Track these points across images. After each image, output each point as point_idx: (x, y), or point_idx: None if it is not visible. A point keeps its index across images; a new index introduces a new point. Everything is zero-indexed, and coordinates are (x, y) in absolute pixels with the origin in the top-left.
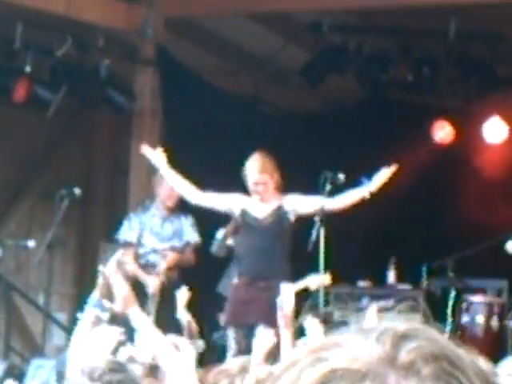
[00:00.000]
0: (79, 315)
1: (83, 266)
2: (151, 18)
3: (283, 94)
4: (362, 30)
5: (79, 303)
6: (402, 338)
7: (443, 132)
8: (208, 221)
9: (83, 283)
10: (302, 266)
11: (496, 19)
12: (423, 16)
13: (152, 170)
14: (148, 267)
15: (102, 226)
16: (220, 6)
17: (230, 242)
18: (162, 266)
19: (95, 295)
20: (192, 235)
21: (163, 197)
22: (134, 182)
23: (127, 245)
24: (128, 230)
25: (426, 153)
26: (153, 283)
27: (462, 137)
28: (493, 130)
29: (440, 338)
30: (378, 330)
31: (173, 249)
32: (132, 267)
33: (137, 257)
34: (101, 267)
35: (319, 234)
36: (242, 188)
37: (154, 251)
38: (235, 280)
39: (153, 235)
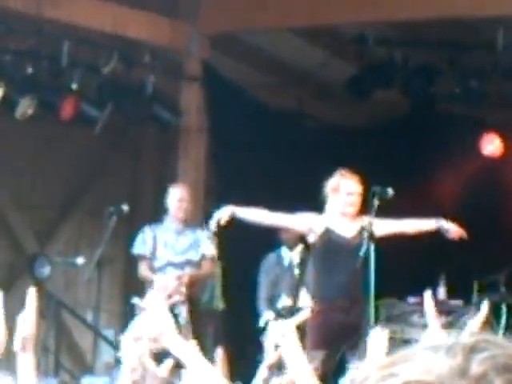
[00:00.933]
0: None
1: (131, 283)
2: (195, 35)
3: (328, 108)
4: (407, 43)
5: (127, 320)
6: (473, 349)
7: (492, 145)
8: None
9: (131, 300)
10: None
11: None
12: (469, 27)
13: (198, 187)
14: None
15: None
16: (263, 22)
17: None
18: (179, 293)
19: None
20: (208, 248)
21: (173, 210)
22: None
23: (141, 258)
24: (141, 244)
25: (474, 166)
26: (182, 311)
27: (509, 150)
28: None
29: (510, 349)
30: (446, 343)
31: (188, 262)
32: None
33: (153, 270)
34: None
35: (369, 249)
36: (289, 202)
37: (171, 264)
38: (316, 302)
39: (167, 248)
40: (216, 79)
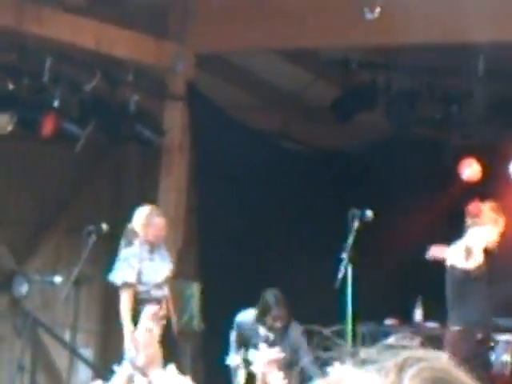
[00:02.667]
0: (116, 368)
1: (109, 302)
2: (181, 54)
3: (311, 130)
4: (390, 67)
5: (105, 340)
6: (403, 366)
7: (470, 170)
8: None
9: (109, 320)
10: (329, 303)
11: None
12: (451, 54)
13: (179, 206)
14: (152, 301)
15: None
16: (249, 43)
17: None
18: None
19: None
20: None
21: (151, 237)
22: None
23: (127, 286)
24: (128, 270)
25: (453, 190)
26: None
27: (489, 174)
28: None
29: (440, 362)
30: (378, 361)
31: (166, 279)
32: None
33: (137, 296)
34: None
35: (347, 271)
36: (270, 221)
37: (155, 286)
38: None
39: (149, 271)
40: (200, 99)
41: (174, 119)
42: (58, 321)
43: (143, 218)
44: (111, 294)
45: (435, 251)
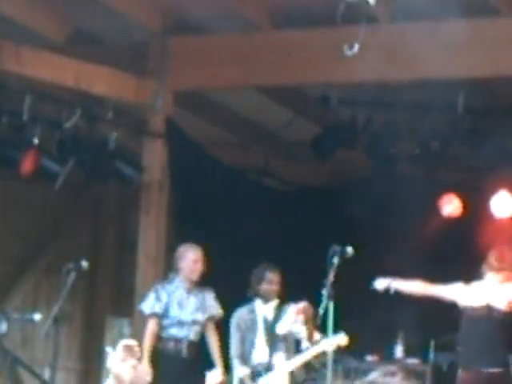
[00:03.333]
0: None
1: (89, 340)
2: (160, 92)
3: (292, 167)
4: (370, 104)
5: (85, 378)
6: None
7: (451, 206)
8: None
9: (89, 358)
10: None
11: (504, 93)
12: (431, 90)
13: (159, 244)
14: (170, 341)
15: (109, 300)
16: (229, 80)
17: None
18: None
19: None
20: (215, 309)
21: (187, 271)
22: (141, 255)
23: (154, 316)
24: (155, 302)
25: (434, 227)
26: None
27: (470, 211)
28: (501, 204)
29: None
30: None
31: (195, 322)
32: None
33: (160, 328)
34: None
35: (327, 308)
36: (251, 259)
37: (180, 323)
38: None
39: (178, 307)
40: (180, 136)
41: (154, 157)
42: (37, 359)
43: (178, 252)
44: (91, 332)
45: (381, 283)
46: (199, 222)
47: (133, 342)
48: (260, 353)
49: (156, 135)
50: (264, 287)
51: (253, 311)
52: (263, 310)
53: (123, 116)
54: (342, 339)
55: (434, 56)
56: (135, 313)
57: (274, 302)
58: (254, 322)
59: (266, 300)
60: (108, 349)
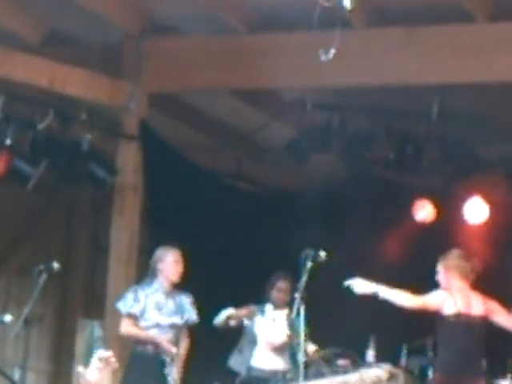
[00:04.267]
0: None
1: (60, 342)
2: (135, 93)
3: (267, 171)
4: (345, 108)
5: (55, 379)
6: None
7: (424, 211)
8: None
9: (60, 359)
10: None
11: (478, 100)
12: (406, 95)
13: (132, 246)
14: (148, 343)
15: (80, 301)
16: (204, 83)
17: (233, 323)
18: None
19: None
20: (192, 314)
21: (168, 273)
22: (113, 257)
23: (130, 317)
24: (133, 303)
25: (407, 232)
26: (164, 339)
27: (443, 216)
28: (474, 210)
29: None
30: None
31: (173, 326)
32: (137, 333)
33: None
34: (80, 370)
35: (299, 311)
36: (223, 266)
37: (157, 326)
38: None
39: (156, 310)
40: (154, 139)
41: (128, 159)
42: (7, 360)
43: (157, 254)
44: (62, 334)
45: (362, 286)
46: (172, 225)
47: (108, 353)
48: (260, 357)
49: (130, 137)
50: (273, 294)
51: (263, 311)
52: (272, 314)
53: (97, 118)
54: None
55: (408, 62)
56: (106, 315)
57: (286, 310)
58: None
59: (276, 306)
60: (79, 369)
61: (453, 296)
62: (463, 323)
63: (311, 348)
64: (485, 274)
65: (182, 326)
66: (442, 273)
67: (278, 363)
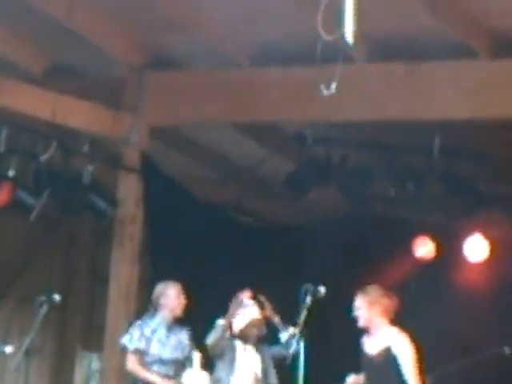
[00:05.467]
0: None
1: (60, 373)
2: (136, 126)
3: (267, 204)
4: (345, 143)
5: None
6: None
7: (425, 248)
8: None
9: None
10: (281, 379)
11: (479, 137)
12: (407, 131)
13: (132, 278)
14: None
15: (80, 333)
16: (205, 116)
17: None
18: None
19: None
20: (190, 351)
21: (171, 306)
22: (113, 289)
23: (137, 353)
24: (140, 338)
25: (407, 269)
26: None
27: (443, 253)
28: (474, 247)
29: None
30: None
31: (175, 361)
32: (143, 373)
33: (143, 365)
34: None
35: (299, 347)
36: (224, 298)
37: (160, 361)
38: None
39: (159, 345)
40: (155, 171)
41: (128, 191)
42: None
43: (158, 290)
44: (62, 365)
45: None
46: (172, 257)
47: None
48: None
49: (131, 169)
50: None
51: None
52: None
53: (99, 149)
54: None
55: (409, 97)
56: (105, 347)
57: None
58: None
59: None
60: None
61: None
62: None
63: None
64: (485, 310)
65: (184, 362)
66: (364, 309)
67: None
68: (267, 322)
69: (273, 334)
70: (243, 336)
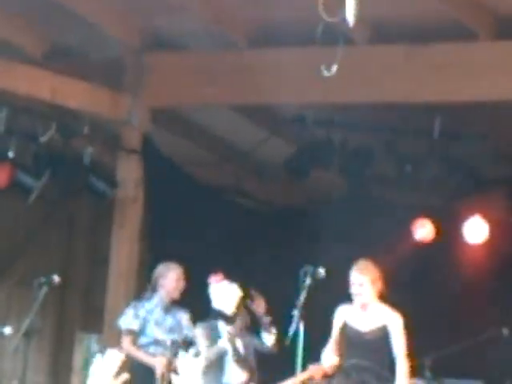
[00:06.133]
0: None
1: (59, 355)
2: (136, 107)
3: (266, 186)
4: (346, 125)
5: None
6: None
7: (424, 230)
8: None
9: (58, 373)
10: (279, 360)
11: (480, 119)
12: (407, 113)
13: (132, 260)
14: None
15: (80, 315)
16: (204, 98)
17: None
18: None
19: None
20: (190, 331)
21: (169, 289)
22: (113, 270)
23: (130, 333)
24: (133, 319)
25: (407, 250)
26: (160, 364)
27: (442, 235)
28: (474, 229)
29: None
30: None
31: (172, 342)
32: (136, 353)
33: (136, 346)
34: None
35: (298, 328)
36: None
37: (156, 342)
38: None
39: (156, 326)
40: (155, 153)
41: (128, 172)
42: (6, 373)
43: (158, 270)
44: (61, 347)
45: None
46: (172, 238)
47: (123, 357)
48: None
49: (131, 151)
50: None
51: (215, 327)
52: (226, 329)
53: (99, 131)
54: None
55: (409, 79)
56: (105, 328)
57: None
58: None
59: (229, 321)
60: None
61: None
62: None
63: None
64: (484, 292)
65: (181, 343)
66: (367, 285)
67: None
68: (253, 316)
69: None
70: (232, 318)
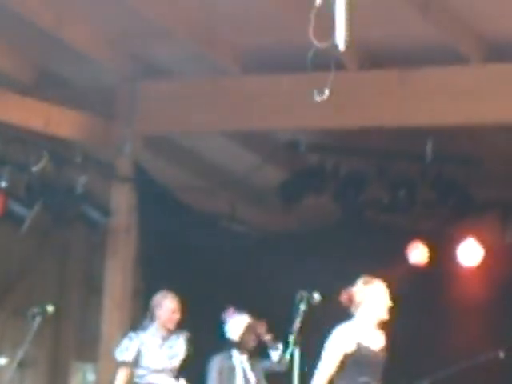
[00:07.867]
0: None
1: None
2: (129, 135)
3: (260, 213)
4: (338, 151)
5: None
6: None
7: (418, 254)
8: None
9: None
10: None
11: (472, 142)
12: (400, 137)
13: (126, 288)
14: None
15: (75, 344)
16: (198, 125)
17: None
18: None
19: None
20: (182, 353)
21: (164, 320)
22: (107, 300)
23: (124, 364)
24: (127, 350)
25: (401, 275)
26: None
27: (436, 259)
28: (468, 252)
29: None
30: None
31: (170, 370)
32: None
33: (131, 377)
34: None
35: (293, 354)
36: (218, 308)
37: (153, 372)
38: None
39: (151, 357)
40: (148, 181)
41: (121, 200)
42: None
43: (155, 300)
44: (56, 377)
45: None
46: (166, 266)
47: None
48: None
49: (124, 179)
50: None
51: (230, 356)
52: (240, 358)
53: (91, 159)
54: None
55: (401, 103)
56: (100, 358)
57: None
58: (230, 367)
59: (243, 351)
60: None
61: None
62: None
63: None
64: (479, 315)
65: (177, 367)
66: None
67: None
68: (258, 339)
69: (263, 350)
70: (242, 343)
